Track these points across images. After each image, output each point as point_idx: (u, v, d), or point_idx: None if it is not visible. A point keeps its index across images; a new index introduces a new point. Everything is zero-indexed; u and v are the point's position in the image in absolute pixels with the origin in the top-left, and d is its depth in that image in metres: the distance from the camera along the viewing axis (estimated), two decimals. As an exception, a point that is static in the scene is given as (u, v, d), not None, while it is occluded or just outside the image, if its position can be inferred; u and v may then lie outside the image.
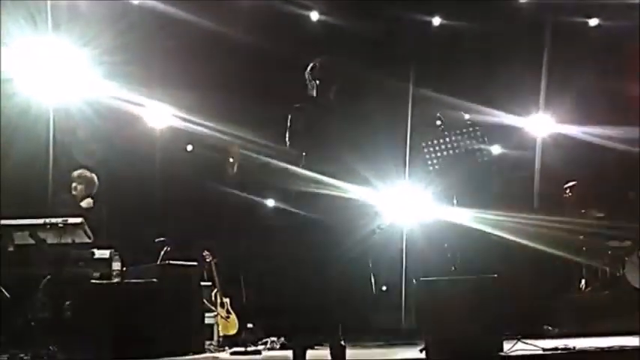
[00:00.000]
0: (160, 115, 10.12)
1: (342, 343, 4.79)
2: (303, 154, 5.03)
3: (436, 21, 10.57)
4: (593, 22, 10.25)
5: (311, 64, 5.20)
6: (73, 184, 7.13)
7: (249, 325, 8.93)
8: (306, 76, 5.19)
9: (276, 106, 5.62)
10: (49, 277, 5.92)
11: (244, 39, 9.56)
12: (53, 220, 6.11)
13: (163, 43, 9.66)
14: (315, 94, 5.14)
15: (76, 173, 7.16)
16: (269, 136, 6.32)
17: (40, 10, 7.90)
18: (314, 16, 10.26)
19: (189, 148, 11.94)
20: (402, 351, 6.40)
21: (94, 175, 7.24)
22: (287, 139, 5.09)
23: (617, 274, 8.43)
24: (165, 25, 9.36)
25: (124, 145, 10.25)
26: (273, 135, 5.66)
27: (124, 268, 6.29)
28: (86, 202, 7.08)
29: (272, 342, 7.82)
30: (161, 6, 9.05)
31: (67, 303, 5.94)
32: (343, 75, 5.22)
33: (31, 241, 5.97)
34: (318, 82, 5.12)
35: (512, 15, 10.15)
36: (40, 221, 6.07)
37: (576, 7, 9.75)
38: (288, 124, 5.09)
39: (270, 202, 9.72)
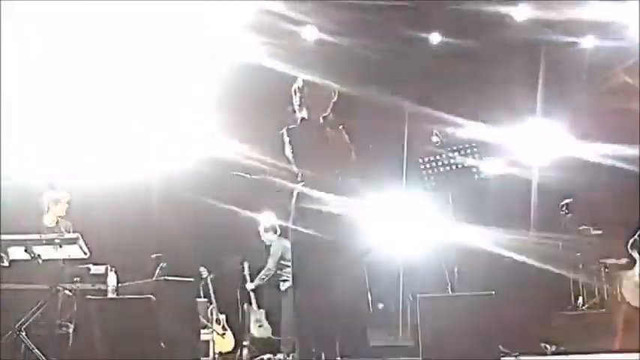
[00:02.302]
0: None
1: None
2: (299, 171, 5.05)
3: (435, 38, 10.60)
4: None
5: (296, 84, 5.20)
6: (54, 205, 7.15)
7: (245, 343, 8.91)
8: (293, 94, 5.19)
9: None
10: (45, 291, 5.88)
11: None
12: (49, 236, 6.10)
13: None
14: (304, 114, 5.15)
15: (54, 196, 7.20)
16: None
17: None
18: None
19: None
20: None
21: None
22: (286, 156, 5.10)
23: (615, 292, 8.43)
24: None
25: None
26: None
27: (120, 284, 6.28)
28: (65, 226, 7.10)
29: (268, 359, 7.80)
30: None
31: (63, 319, 5.90)
32: (328, 94, 5.19)
33: (27, 257, 5.93)
34: (304, 102, 5.13)
35: (510, 33, 10.21)
36: (36, 236, 6.05)
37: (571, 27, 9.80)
38: (286, 142, 5.10)
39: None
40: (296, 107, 5.19)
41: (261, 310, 9.29)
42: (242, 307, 9.28)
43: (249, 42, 9.38)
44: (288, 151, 5.06)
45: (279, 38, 9.67)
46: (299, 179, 5.04)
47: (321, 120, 5.16)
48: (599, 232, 8.78)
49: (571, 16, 9.33)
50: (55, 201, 7.21)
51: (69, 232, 6.67)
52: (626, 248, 8.43)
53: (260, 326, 9.04)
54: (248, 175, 6.46)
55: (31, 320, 5.82)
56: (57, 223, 7.18)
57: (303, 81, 5.20)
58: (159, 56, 8.70)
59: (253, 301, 9.12)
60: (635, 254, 8.52)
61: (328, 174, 4.99)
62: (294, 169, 5.08)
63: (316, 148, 5.02)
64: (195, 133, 9.62)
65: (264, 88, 9.37)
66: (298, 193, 5.01)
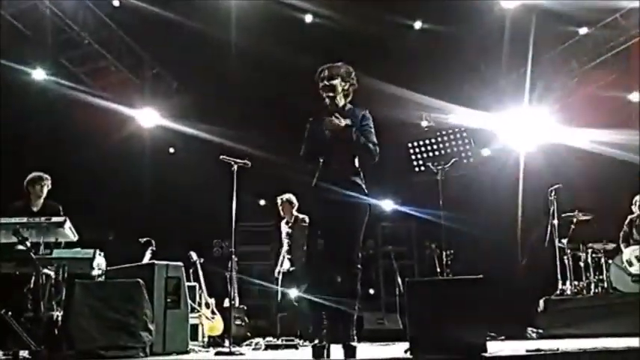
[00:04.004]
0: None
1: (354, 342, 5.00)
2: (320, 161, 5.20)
3: (417, 25, 10.63)
4: (583, 30, 10.35)
5: (319, 71, 5.31)
6: (37, 186, 7.11)
7: (238, 322, 8.97)
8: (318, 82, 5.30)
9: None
10: (33, 275, 5.87)
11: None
12: (36, 219, 6.08)
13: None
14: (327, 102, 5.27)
15: (36, 176, 7.15)
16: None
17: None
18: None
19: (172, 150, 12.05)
20: (386, 350, 6.40)
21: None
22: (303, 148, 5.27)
23: (602, 277, 8.51)
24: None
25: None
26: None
27: (108, 267, 6.27)
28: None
29: (256, 343, 7.81)
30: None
31: (51, 303, 5.89)
32: (350, 81, 5.34)
33: (14, 240, 5.90)
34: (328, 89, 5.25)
35: (497, 19, 10.22)
36: (23, 219, 6.03)
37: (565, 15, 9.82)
38: (306, 134, 5.29)
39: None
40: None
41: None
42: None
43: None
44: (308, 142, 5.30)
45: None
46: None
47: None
48: (587, 217, 8.83)
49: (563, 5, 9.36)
50: (37, 183, 7.16)
51: (58, 214, 6.65)
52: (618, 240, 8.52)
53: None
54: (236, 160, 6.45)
55: (18, 305, 5.80)
56: (44, 204, 7.14)
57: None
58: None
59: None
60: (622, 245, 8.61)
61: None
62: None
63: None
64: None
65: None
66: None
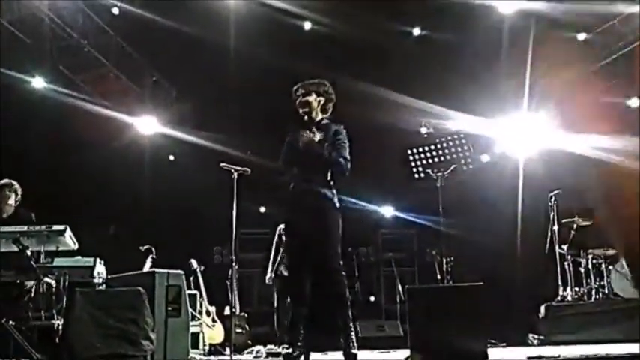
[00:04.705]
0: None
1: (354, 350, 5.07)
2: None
3: (416, 31, 10.68)
4: (581, 36, 10.37)
5: (295, 89, 5.50)
6: (3, 193, 7.07)
7: (239, 330, 8.95)
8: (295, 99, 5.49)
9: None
10: (33, 284, 5.86)
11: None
12: (37, 228, 6.07)
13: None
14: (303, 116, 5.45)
15: (2, 183, 7.11)
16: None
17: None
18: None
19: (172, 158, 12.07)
20: (387, 357, 6.39)
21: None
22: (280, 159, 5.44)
23: (603, 283, 8.49)
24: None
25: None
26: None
27: (109, 276, 6.26)
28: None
29: (257, 351, 7.80)
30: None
31: (53, 310, 5.88)
32: (326, 96, 5.50)
33: (15, 248, 5.90)
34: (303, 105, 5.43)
35: (496, 25, 10.25)
36: (24, 228, 6.02)
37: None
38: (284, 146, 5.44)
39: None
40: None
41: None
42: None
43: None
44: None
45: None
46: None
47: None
48: (587, 223, 8.83)
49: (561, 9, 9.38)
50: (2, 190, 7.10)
51: (32, 221, 6.64)
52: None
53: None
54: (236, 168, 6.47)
55: (19, 313, 5.79)
56: (15, 212, 7.09)
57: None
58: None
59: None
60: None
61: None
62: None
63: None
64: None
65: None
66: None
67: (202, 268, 8.94)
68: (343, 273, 5.18)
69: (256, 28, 10.08)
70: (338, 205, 5.32)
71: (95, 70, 10.79)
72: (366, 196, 11.89)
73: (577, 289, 8.58)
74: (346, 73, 9.62)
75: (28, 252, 5.82)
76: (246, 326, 9.44)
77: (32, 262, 5.78)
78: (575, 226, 8.78)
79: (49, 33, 9.73)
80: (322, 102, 5.47)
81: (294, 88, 5.52)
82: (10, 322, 5.63)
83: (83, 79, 10.82)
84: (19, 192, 7.10)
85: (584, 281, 8.59)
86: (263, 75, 10.40)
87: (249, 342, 9.09)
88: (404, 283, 9.97)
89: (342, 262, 5.21)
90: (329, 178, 5.36)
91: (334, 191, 5.35)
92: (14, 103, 9.73)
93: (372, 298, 10.79)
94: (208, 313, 8.74)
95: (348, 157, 5.36)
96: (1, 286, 5.95)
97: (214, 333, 8.65)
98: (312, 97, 5.43)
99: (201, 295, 8.76)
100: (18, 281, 5.96)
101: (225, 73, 10.61)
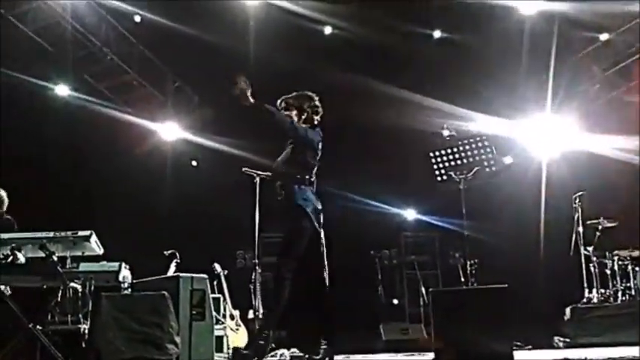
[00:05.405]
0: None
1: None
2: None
3: (437, 34, 10.67)
4: (603, 36, 10.29)
5: (278, 102, 5.70)
6: None
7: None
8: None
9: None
10: (60, 289, 5.92)
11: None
12: (62, 233, 6.13)
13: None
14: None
15: None
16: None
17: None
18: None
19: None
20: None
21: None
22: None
23: (629, 284, 8.40)
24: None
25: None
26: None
27: (134, 280, 6.31)
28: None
29: (281, 354, 7.80)
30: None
31: (79, 315, 5.94)
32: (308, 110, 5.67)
33: (41, 254, 5.97)
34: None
35: (516, 26, 10.20)
36: (50, 234, 6.09)
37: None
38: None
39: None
40: None
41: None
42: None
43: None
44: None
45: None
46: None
47: None
48: (613, 224, 8.73)
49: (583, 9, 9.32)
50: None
51: (11, 230, 6.72)
52: None
53: None
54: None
55: (46, 318, 5.86)
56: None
57: None
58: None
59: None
60: None
61: None
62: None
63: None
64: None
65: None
66: None
67: (226, 272, 8.96)
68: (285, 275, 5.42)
69: (276, 34, 10.12)
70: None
71: (118, 77, 10.91)
72: (388, 198, 11.90)
73: (603, 290, 8.48)
74: (367, 77, 9.66)
75: (54, 258, 5.88)
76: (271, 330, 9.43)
77: (58, 268, 5.84)
78: (600, 227, 8.69)
79: (72, 41, 9.85)
80: (304, 117, 5.61)
81: (278, 101, 5.68)
82: (37, 326, 5.70)
83: (106, 86, 10.95)
84: (4, 199, 7.20)
85: (610, 283, 8.49)
86: (283, 80, 10.41)
87: (272, 345, 9.10)
88: (427, 286, 9.93)
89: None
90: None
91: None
92: (38, 110, 9.87)
93: (395, 301, 10.73)
94: (232, 317, 8.76)
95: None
96: (28, 291, 6.02)
97: (238, 337, 8.67)
98: (292, 113, 5.60)
99: (224, 299, 8.78)
100: (44, 287, 6.03)
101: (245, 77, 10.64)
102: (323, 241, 5.57)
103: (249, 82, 5.32)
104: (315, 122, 5.65)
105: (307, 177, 5.51)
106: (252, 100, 5.26)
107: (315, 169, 5.60)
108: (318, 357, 5.10)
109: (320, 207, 5.58)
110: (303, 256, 5.41)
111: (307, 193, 5.47)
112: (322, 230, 5.55)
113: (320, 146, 5.61)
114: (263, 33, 10.18)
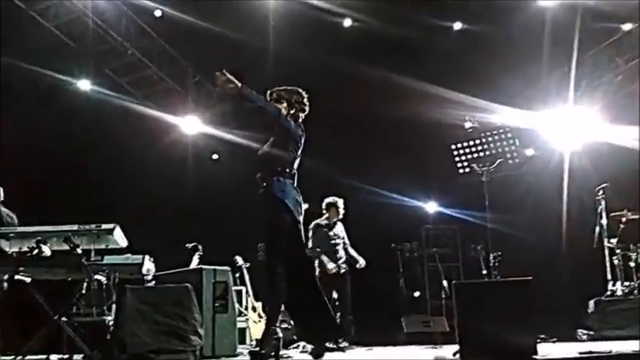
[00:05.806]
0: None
1: None
2: None
3: (457, 26, 10.62)
4: (626, 26, 10.18)
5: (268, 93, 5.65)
6: None
7: (284, 326, 8.97)
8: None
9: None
10: (85, 281, 5.98)
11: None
12: (87, 226, 6.20)
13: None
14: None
15: None
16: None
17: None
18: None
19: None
20: (433, 353, 6.37)
21: None
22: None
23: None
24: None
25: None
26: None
27: (158, 272, 6.36)
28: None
29: (303, 346, 7.82)
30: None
31: (104, 307, 6.01)
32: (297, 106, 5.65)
33: (66, 247, 6.03)
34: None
35: (537, 17, 10.13)
36: (74, 227, 6.16)
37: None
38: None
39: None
40: None
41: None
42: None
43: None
44: None
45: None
46: None
47: None
48: (637, 216, 8.64)
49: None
50: None
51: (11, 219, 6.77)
52: None
53: None
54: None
55: (71, 310, 5.92)
56: None
57: None
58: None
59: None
60: None
61: None
62: None
63: None
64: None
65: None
66: None
67: (248, 264, 9.00)
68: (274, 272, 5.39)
69: (295, 27, 10.11)
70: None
71: (139, 72, 10.98)
72: (409, 191, 11.87)
73: (627, 283, 8.40)
74: (388, 70, 9.62)
75: (79, 250, 5.94)
76: (292, 322, 9.46)
77: (83, 261, 5.90)
78: (624, 219, 8.60)
79: (93, 36, 9.92)
80: (292, 112, 5.57)
81: (269, 92, 5.61)
82: (63, 318, 5.76)
83: (127, 80, 11.02)
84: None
85: (634, 275, 8.41)
86: (302, 74, 10.40)
87: (294, 337, 9.12)
88: (448, 279, 9.90)
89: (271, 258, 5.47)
90: None
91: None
92: (60, 104, 9.95)
93: (417, 294, 10.70)
94: (254, 309, 8.80)
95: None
96: (53, 284, 6.08)
97: (260, 329, 8.70)
98: (282, 106, 5.53)
99: (247, 292, 8.82)
100: (69, 279, 6.09)
101: (264, 72, 10.65)
102: (302, 233, 5.59)
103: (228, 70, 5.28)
104: (300, 119, 5.59)
105: (287, 170, 5.48)
106: (238, 84, 5.24)
107: (297, 162, 5.58)
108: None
109: (301, 199, 5.56)
110: (287, 248, 5.40)
111: (287, 186, 5.45)
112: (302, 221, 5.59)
113: (302, 140, 5.57)
114: (282, 27, 10.18)
